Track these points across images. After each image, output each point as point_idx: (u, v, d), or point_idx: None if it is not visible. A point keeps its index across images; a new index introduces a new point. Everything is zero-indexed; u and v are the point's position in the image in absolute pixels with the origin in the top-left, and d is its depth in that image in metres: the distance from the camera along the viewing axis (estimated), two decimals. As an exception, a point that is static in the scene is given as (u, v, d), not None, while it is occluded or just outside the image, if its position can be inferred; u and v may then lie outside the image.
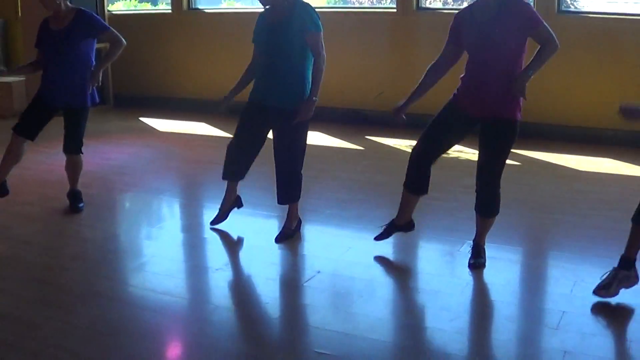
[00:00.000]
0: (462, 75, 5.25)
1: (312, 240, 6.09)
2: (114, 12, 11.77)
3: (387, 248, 5.78)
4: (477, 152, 5.27)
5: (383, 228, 5.75)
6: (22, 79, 10.72)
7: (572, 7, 11.65)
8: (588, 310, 4.69)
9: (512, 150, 5.26)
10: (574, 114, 9.10)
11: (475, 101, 5.14)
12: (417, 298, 5.12)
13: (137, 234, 6.38)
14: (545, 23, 5.00)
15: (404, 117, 5.47)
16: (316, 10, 5.66)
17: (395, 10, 9.99)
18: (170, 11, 11.49)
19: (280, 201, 5.96)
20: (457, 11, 5.39)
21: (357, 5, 13.59)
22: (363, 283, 5.19)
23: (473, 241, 5.47)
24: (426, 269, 5.57)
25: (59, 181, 7.00)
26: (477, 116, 5.16)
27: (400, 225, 5.72)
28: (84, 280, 5.20)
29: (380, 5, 12.72)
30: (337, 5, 14.05)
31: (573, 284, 5.06)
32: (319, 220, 6.44)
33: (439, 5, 12.31)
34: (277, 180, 5.90)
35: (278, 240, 5.88)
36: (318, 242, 6.04)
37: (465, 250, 5.54)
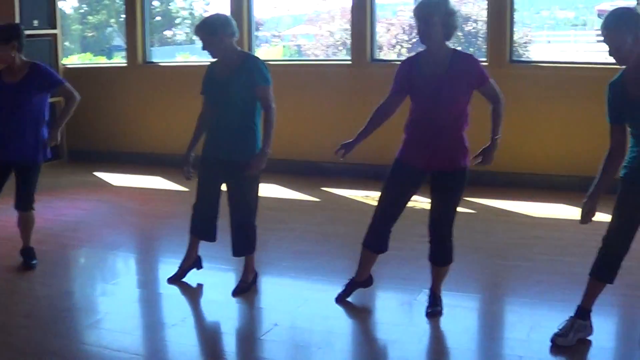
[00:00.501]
0: (406, 126, 5.30)
1: (269, 293, 6.06)
2: (68, 66, 11.73)
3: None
4: (430, 200, 5.30)
5: (343, 287, 5.74)
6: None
7: (523, 56, 11.84)
8: (545, 355, 4.71)
9: (468, 198, 5.32)
10: (527, 161, 9.17)
11: (424, 155, 5.18)
12: (376, 348, 5.12)
13: (92, 291, 6.30)
14: (491, 79, 5.13)
15: (343, 153, 5.47)
16: (267, 63, 5.71)
17: (350, 62, 10.07)
18: (125, 65, 11.48)
19: (236, 253, 5.94)
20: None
21: (312, 57, 13.70)
22: (321, 335, 5.16)
23: (429, 290, 5.48)
24: (384, 319, 5.57)
25: (11, 238, 6.90)
26: (428, 169, 5.22)
27: (360, 281, 5.73)
28: (37, 339, 5.11)
29: (335, 58, 12.83)
30: (292, 58, 14.17)
31: (530, 328, 5.08)
32: (275, 273, 6.41)
33: (393, 57, 12.45)
34: (231, 233, 5.88)
35: (235, 293, 5.84)
36: (275, 294, 6.01)
37: (423, 298, 5.54)
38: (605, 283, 4.86)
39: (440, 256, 5.37)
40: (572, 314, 4.87)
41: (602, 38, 4.53)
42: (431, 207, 5.31)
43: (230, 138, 5.69)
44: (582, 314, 4.87)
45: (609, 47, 4.54)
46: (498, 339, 5.18)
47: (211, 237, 6.06)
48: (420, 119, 5.20)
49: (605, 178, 4.70)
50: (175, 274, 6.14)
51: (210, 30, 5.62)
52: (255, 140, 5.67)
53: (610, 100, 4.67)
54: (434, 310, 5.36)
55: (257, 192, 5.83)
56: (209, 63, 5.94)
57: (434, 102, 5.09)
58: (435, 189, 5.26)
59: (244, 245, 5.88)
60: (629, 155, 4.73)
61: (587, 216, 4.74)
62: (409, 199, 5.41)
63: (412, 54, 5.47)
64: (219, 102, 5.73)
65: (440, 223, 5.29)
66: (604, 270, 4.83)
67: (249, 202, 5.79)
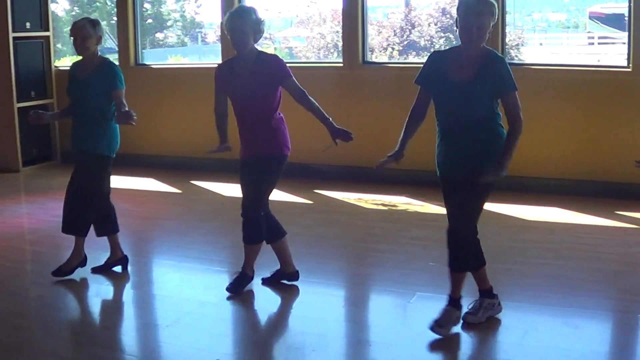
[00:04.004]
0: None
1: (263, 295, 6.06)
2: (61, 68, 11.68)
3: (337, 301, 5.79)
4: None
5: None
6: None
7: (515, 59, 11.88)
8: (540, 359, 4.73)
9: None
10: (519, 164, 9.14)
11: (246, 146, 5.84)
12: (369, 351, 5.11)
13: (86, 291, 6.28)
14: (294, 78, 5.84)
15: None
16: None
17: (341, 64, 10.05)
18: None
19: (65, 230, 6.35)
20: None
21: (304, 60, 13.72)
22: (314, 337, 5.17)
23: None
24: (378, 321, 5.58)
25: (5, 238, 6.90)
26: (249, 156, 5.76)
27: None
28: (34, 340, 5.13)
29: (326, 60, 12.85)
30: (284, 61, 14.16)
31: (524, 332, 5.10)
32: (267, 275, 6.40)
33: (384, 59, 12.47)
34: (63, 211, 6.32)
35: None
36: (270, 297, 6.00)
37: (416, 301, 5.55)
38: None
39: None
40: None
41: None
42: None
43: (83, 131, 6.15)
44: (488, 294, 5.30)
45: (478, 28, 4.83)
46: (492, 343, 5.18)
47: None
48: (237, 114, 5.82)
49: (406, 138, 5.18)
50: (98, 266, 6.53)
51: (96, 28, 6.13)
52: (110, 133, 6.20)
53: (428, 66, 5.06)
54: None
55: (99, 186, 6.26)
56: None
57: (244, 97, 5.73)
58: (245, 174, 5.84)
59: (75, 223, 6.32)
60: (436, 152, 5.11)
61: (381, 164, 5.14)
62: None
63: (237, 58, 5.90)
64: (76, 101, 6.17)
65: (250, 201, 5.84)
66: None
67: (88, 189, 6.22)
